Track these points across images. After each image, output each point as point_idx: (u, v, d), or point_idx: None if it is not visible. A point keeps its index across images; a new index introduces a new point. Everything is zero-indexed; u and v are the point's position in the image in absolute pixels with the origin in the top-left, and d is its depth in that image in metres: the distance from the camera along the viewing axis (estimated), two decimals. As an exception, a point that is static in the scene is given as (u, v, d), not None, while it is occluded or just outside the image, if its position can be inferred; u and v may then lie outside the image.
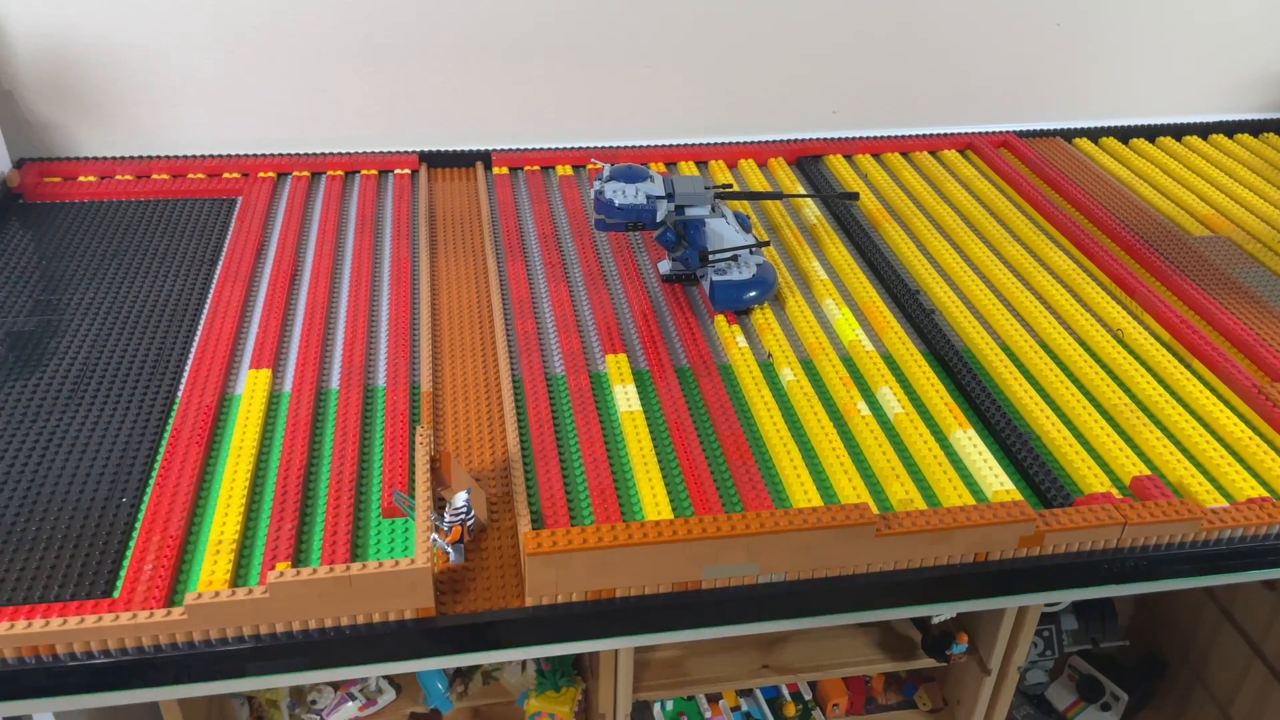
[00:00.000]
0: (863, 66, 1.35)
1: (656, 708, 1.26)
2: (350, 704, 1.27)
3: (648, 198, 0.96)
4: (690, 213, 0.98)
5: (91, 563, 0.69)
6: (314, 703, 1.25)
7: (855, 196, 1.06)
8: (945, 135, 1.36)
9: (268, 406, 0.84)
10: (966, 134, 1.37)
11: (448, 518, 0.69)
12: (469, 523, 0.70)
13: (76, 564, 0.69)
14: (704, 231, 0.98)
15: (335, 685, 1.29)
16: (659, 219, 0.96)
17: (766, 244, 0.99)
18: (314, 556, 0.70)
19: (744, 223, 1.01)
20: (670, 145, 1.31)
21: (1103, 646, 1.35)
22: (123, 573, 0.68)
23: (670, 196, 0.97)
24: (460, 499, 0.69)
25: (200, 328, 0.94)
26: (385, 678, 1.30)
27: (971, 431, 0.83)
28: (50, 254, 1.05)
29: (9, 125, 1.18)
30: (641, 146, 1.30)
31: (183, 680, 0.63)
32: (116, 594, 0.67)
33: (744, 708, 1.29)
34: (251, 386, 0.86)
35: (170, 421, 0.82)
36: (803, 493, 0.76)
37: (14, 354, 0.89)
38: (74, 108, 1.20)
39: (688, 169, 1.28)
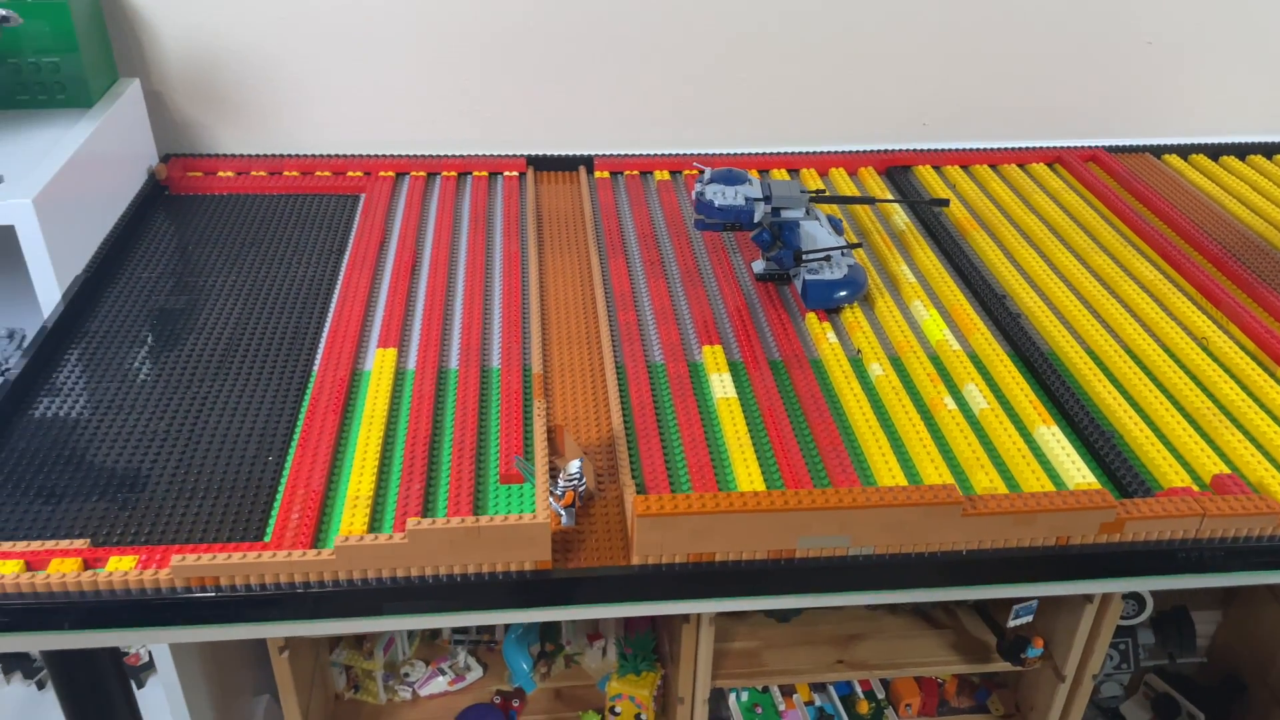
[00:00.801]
0: (953, 80, 1.39)
1: (732, 697, 1.30)
2: (440, 678, 1.34)
3: (746, 199, 1.01)
4: (786, 215, 1.03)
5: (244, 511, 0.77)
6: (406, 675, 1.33)
7: (945, 203, 1.11)
8: (1034, 149, 1.40)
9: (394, 381, 0.92)
10: (1055, 148, 1.40)
11: (561, 483, 0.75)
12: (580, 489, 0.76)
13: (230, 511, 0.77)
14: (798, 233, 1.03)
15: (426, 660, 1.36)
16: (756, 220, 1.02)
17: (858, 245, 1.04)
18: (440, 514, 0.77)
19: (836, 226, 1.06)
20: (763, 153, 1.37)
21: (1180, 663, 1.35)
22: (272, 520, 0.76)
23: (767, 199, 1.02)
24: (574, 466, 0.75)
25: (332, 310, 1.02)
26: (472, 655, 1.37)
27: (1055, 428, 0.87)
28: (193, 241, 1.15)
29: (158, 123, 1.29)
30: (736, 154, 1.36)
31: (324, 615, 0.71)
32: (268, 538, 0.75)
33: (817, 702, 1.33)
34: (380, 363, 0.94)
35: (308, 391, 0.90)
36: (890, 478, 0.81)
37: (163, 328, 0.99)
38: (215, 109, 1.30)
39: (780, 176, 1.33)
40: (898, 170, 1.35)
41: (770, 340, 1.00)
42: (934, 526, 0.72)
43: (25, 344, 1.20)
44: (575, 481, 0.75)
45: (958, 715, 1.33)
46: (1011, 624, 1.15)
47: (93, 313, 1.01)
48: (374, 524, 0.76)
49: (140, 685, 1.41)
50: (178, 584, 0.68)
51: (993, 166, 1.37)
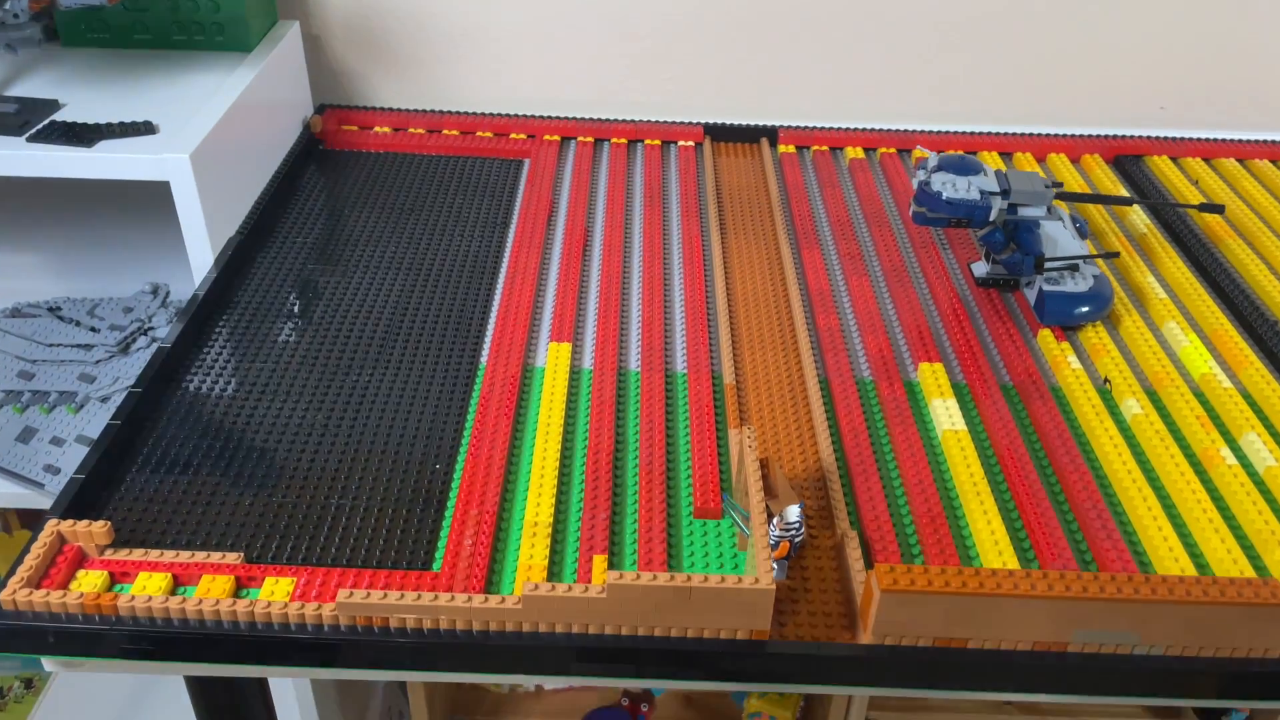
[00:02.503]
0: (1196, 59, 1.20)
1: (878, 723, 1.19)
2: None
3: (981, 193, 0.87)
4: (1024, 213, 0.89)
5: (411, 529, 0.68)
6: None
7: (1221, 209, 0.94)
8: (1291, 141, 1.20)
9: (569, 383, 0.81)
10: (1316, 141, 1.20)
11: (777, 533, 0.64)
12: (797, 540, 0.64)
13: (396, 527, 0.68)
14: (1038, 235, 0.88)
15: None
16: (991, 217, 0.88)
17: (1116, 255, 0.88)
18: (628, 551, 0.67)
19: (1082, 228, 0.91)
20: (970, 132, 1.21)
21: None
22: (441, 544, 0.67)
23: (1005, 193, 0.87)
24: (794, 513, 0.64)
25: (499, 292, 0.92)
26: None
27: (1366, 499, 0.71)
28: (348, 203, 1.07)
29: (314, 70, 1.20)
30: (938, 132, 1.21)
31: (498, 669, 0.61)
32: (437, 566, 0.65)
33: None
34: (554, 360, 0.83)
35: (477, 389, 0.81)
36: (1168, 551, 0.67)
37: (318, 301, 0.90)
38: (374, 57, 1.21)
39: (990, 160, 1.17)
40: (1128, 160, 1.18)
41: (998, 360, 0.86)
42: (1249, 629, 0.58)
43: (169, 300, 1.14)
44: (793, 531, 0.64)
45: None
46: None
47: (244, 280, 0.93)
48: (554, 558, 0.66)
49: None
50: (342, 622, 0.60)
51: (1240, 161, 1.18)
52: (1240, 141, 1.20)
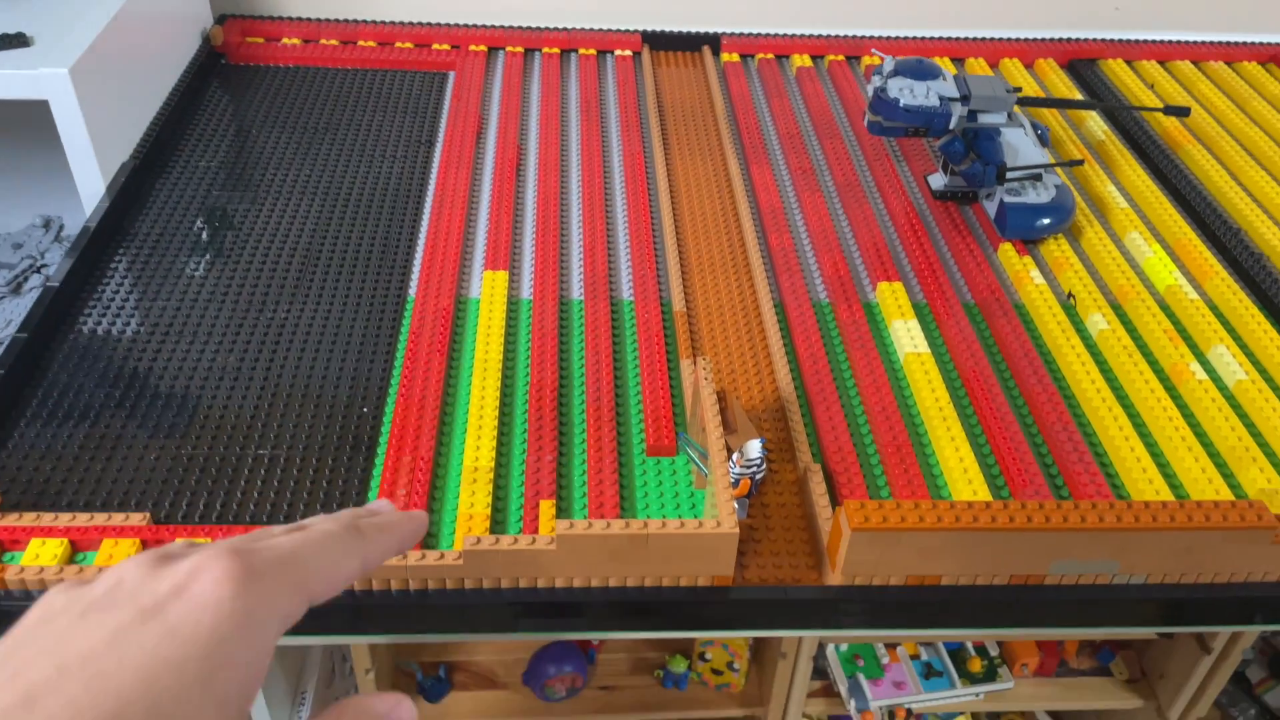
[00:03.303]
0: (1151, -45, 1.15)
1: (830, 647, 1.18)
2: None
3: (940, 99, 0.82)
4: (984, 119, 0.84)
5: (337, 480, 0.62)
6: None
7: (1186, 112, 0.90)
8: (1246, 44, 1.16)
9: (508, 314, 0.75)
10: (1271, 44, 1.16)
11: (738, 470, 0.59)
12: (759, 476, 0.60)
13: (321, 479, 0.62)
14: (999, 143, 0.83)
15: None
16: (951, 125, 0.82)
17: (1080, 163, 0.84)
18: (577, 495, 0.62)
19: (1043, 136, 0.86)
20: (920, 38, 1.15)
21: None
22: (372, 495, 0.61)
23: (965, 99, 0.82)
24: (754, 449, 0.59)
25: (425, 217, 0.85)
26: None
27: (1336, 410, 0.69)
28: (256, 123, 0.97)
29: (212, -22, 1.09)
30: (888, 38, 1.15)
31: (439, 628, 0.56)
32: (368, 520, 0.59)
33: (924, 656, 1.20)
34: (489, 290, 0.77)
35: (406, 324, 0.74)
36: (1141, 472, 0.64)
37: (226, 232, 0.82)
38: (278, -38, 1.11)
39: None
40: (1082, 64, 1.13)
41: (958, 277, 0.82)
42: (1232, 554, 0.55)
43: (62, 234, 1.05)
44: (754, 468, 0.59)
45: (1077, 677, 1.20)
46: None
47: (142, 210, 0.85)
48: (497, 505, 0.61)
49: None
50: (262, 586, 0.54)
51: (1196, 63, 1.15)
52: (1195, 43, 1.17)
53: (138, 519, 0.57)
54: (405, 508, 0.59)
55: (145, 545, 0.56)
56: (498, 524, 0.60)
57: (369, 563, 0.37)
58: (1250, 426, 0.69)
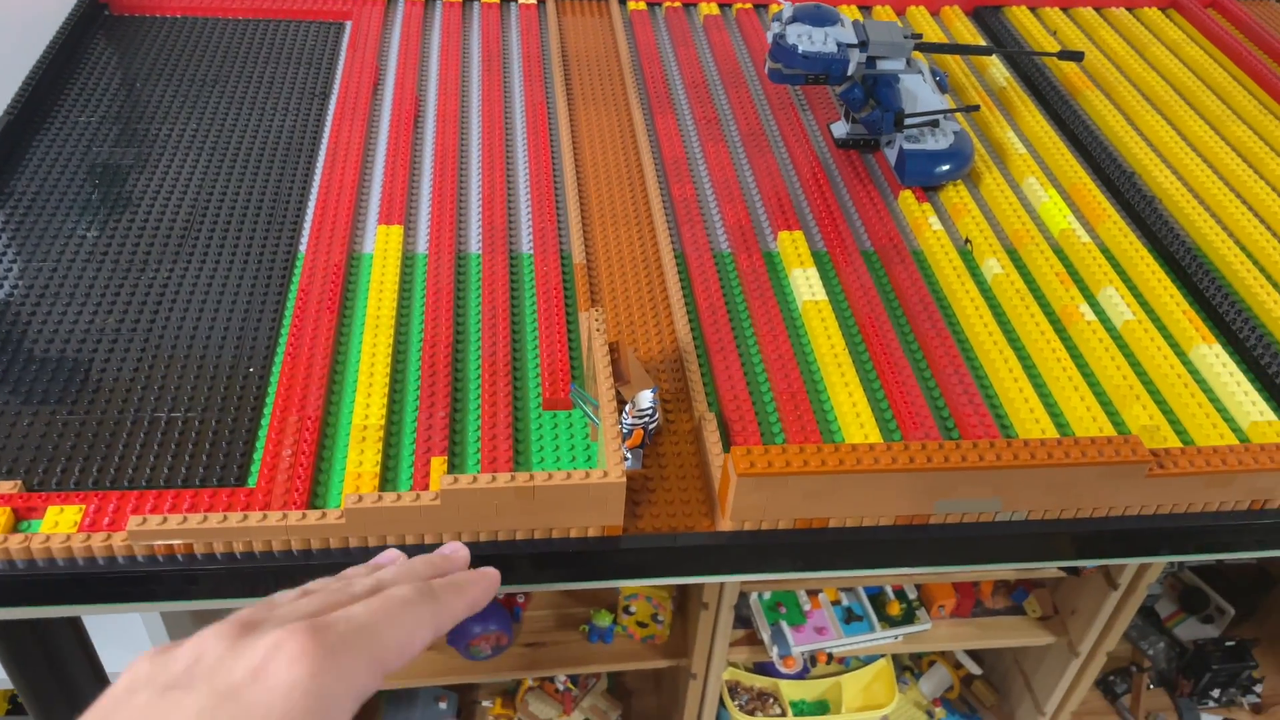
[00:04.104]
0: (1055, -99, 1.16)
1: (754, 596, 1.19)
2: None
3: (839, 45, 0.81)
4: (883, 66, 0.83)
5: (221, 441, 0.60)
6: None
7: (1080, 56, 0.90)
8: (1146, -11, 1.18)
9: (402, 270, 0.73)
10: (1170, -11, 1.18)
11: (629, 420, 0.59)
12: (651, 426, 0.60)
13: (204, 441, 0.60)
14: (897, 89, 0.83)
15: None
16: (849, 72, 0.82)
17: (976, 109, 0.85)
18: (470, 451, 0.61)
19: (942, 81, 0.86)
20: (828, -15, 1.14)
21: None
22: (257, 456, 0.60)
23: (863, 45, 0.82)
24: (646, 399, 0.59)
25: (318, 172, 0.83)
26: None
27: (1217, 347, 0.71)
28: (141, 76, 0.93)
29: (91, -77, 1.04)
30: (796, -15, 1.14)
31: (331, 586, 0.55)
32: (253, 481, 0.58)
33: (845, 602, 1.22)
34: (383, 245, 0.75)
35: (295, 280, 0.72)
36: (1029, 413, 0.65)
37: (106, 189, 0.79)
38: (162, -94, 1.05)
39: (849, 13, 1.11)
40: (988, 11, 1.13)
41: (859, 225, 0.82)
42: (1110, 489, 0.57)
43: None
44: (647, 418, 0.59)
45: (993, 616, 1.24)
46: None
47: (19, 167, 0.81)
48: (388, 464, 0.60)
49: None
50: (138, 553, 0.52)
51: (1098, 10, 1.16)
52: (1097, -10, 1.18)
53: (9, 486, 0.55)
54: (291, 470, 0.58)
55: (16, 514, 0.54)
56: (388, 481, 0.59)
57: (441, 629, 0.38)
58: (1135, 365, 0.70)
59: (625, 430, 0.59)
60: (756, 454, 0.54)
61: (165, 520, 0.52)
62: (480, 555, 0.54)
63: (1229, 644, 1.23)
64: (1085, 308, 0.74)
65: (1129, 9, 1.16)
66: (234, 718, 0.29)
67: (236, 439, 0.61)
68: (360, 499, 0.52)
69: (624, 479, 0.52)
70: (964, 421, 0.64)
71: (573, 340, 0.69)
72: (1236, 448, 0.58)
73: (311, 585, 0.39)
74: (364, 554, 0.53)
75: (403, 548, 0.54)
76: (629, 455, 0.60)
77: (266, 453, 0.59)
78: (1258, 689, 1.25)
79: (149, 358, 0.65)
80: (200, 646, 0.32)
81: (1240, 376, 0.69)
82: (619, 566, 0.56)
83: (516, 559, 0.54)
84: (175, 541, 0.52)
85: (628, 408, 0.59)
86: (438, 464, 0.60)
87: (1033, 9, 1.14)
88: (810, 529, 0.56)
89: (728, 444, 0.62)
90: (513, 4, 1.09)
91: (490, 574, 0.42)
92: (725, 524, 0.56)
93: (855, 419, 0.63)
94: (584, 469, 0.59)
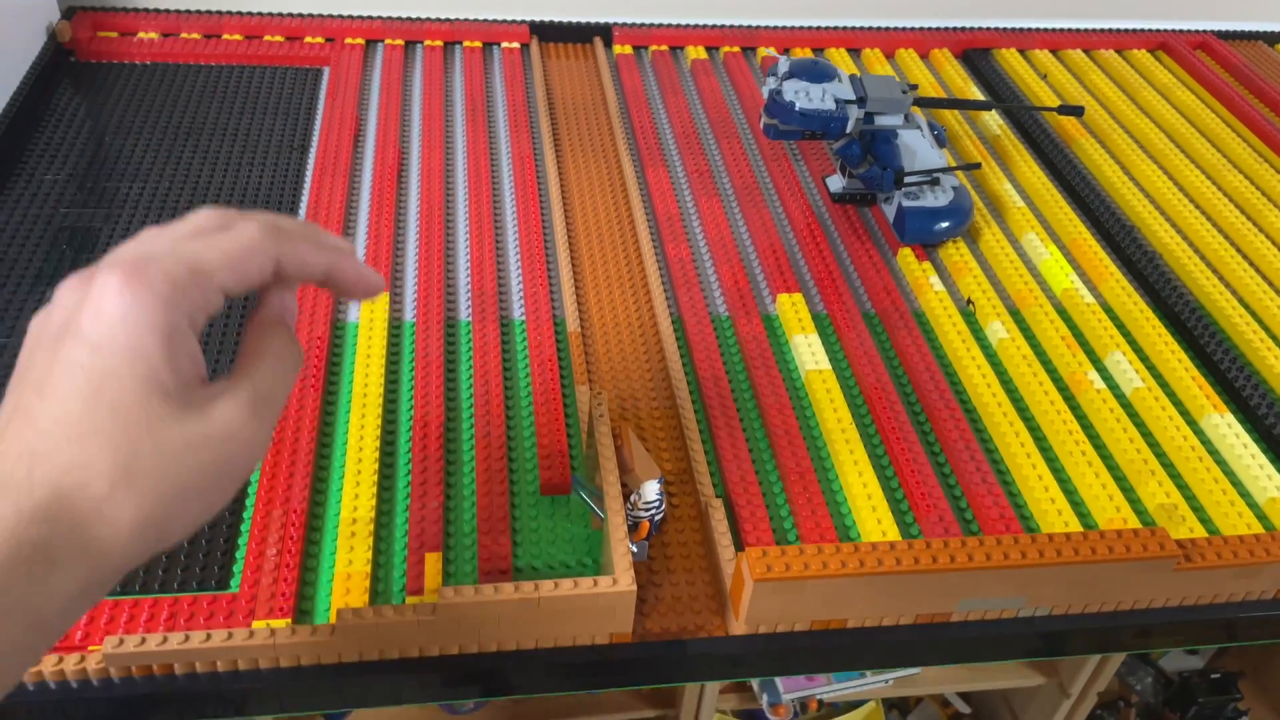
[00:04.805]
0: (1042, -58, 1.15)
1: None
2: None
3: (837, 102, 0.79)
4: (881, 121, 0.82)
5: (200, 540, 0.57)
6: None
7: (1080, 111, 0.89)
8: (1135, 31, 1.17)
9: (389, 340, 0.70)
10: (1159, 31, 1.18)
11: (636, 513, 0.56)
12: (658, 517, 0.57)
13: (183, 540, 0.56)
14: (896, 146, 0.81)
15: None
16: (848, 129, 0.80)
17: (978, 166, 0.83)
18: (466, 544, 0.58)
19: (940, 136, 0.85)
20: (816, 27, 1.12)
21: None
22: (240, 554, 0.56)
23: (861, 100, 0.80)
24: (652, 490, 0.56)
25: (299, 233, 0.79)
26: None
27: (1229, 416, 0.70)
28: (110, 128, 0.90)
29: (56, -35, 1.00)
30: (783, 28, 1.12)
31: (319, 705, 0.52)
32: (235, 585, 0.55)
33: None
34: (369, 312, 0.72)
35: (277, 356, 0.68)
36: (1044, 491, 0.63)
37: (77, 255, 0.75)
38: (130, -53, 1.02)
39: (839, 59, 1.09)
40: (976, 54, 1.12)
41: (859, 285, 0.80)
42: (1136, 582, 0.55)
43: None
44: (653, 509, 0.56)
45: (984, 657, 1.22)
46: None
47: (-21, 232, 0.77)
48: (379, 560, 0.57)
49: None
50: (114, 674, 0.49)
51: (1087, 52, 1.15)
52: (1085, 31, 1.17)
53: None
54: (276, 573, 0.54)
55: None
56: (379, 580, 0.56)
57: (286, 265, 0.37)
58: (1148, 437, 0.69)
59: (630, 524, 0.56)
60: (773, 556, 0.51)
61: (144, 639, 0.48)
62: (480, 667, 0.51)
63: (1214, 676, 1.22)
64: (1094, 375, 0.72)
65: (1118, 50, 1.16)
66: (89, 356, 0.32)
67: (217, 536, 0.57)
68: (354, 614, 0.49)
69: (634, 587, 0.50)
70: (979, 505, 0.62)
71: (569, 416, 0.66)
72: (1264, 537, 0.56)
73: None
74: (358, 669, 0.50)
75: (399, 663, 0.51)
76: (634, 547, 0.57)
77: (250, 551, 0.56)
78: (1243, 722, 1.24)
79: (122, 445, 0.61)
80: (63, 298, 0.34)
81: (1255, 449, 0.67)
82: (629, 675, 0.53)
83: (516, 668, 0.51)
84: (152, 663, 0.48)
85: (633, 498, 0.57)
86: (432, 560, 0.56)
87: (1022, 51, 1.13)
88: (828, 630, 0.54)
89: (736, 533, 0.59)
90: (495, 47, 1.07)
91: (373, 279, 0.41)
92: (739, 627, 0.54)
93: (867, 501, 0.61)
94: (593, 563, 0.57)
